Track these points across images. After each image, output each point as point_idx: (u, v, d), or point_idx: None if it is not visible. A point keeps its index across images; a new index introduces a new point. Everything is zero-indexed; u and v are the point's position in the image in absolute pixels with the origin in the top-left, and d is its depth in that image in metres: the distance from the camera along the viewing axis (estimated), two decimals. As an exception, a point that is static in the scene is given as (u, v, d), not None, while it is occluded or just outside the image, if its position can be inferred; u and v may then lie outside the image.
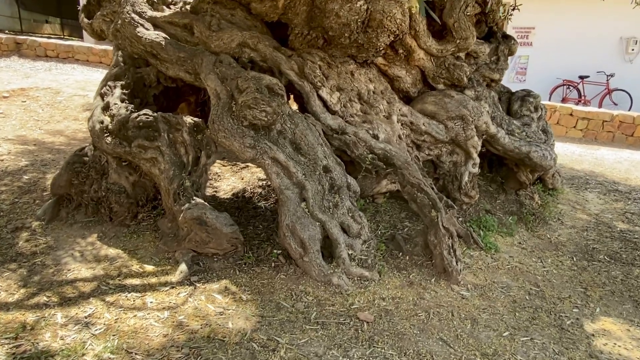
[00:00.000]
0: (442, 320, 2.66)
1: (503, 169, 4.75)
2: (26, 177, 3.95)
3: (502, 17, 4.56)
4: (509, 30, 12.83)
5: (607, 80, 11.46)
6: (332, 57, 3.60)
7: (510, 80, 13.14)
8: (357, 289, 2.84)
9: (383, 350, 2.30)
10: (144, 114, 3.08)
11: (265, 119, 3.00)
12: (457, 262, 3.12)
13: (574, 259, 3.73)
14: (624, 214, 4.84)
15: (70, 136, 5.57)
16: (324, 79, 3.53)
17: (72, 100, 6.87)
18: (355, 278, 2.90)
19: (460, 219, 4.09)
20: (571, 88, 12.01)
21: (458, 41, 3.74)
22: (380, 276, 3.01)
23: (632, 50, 11.48)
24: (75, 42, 9.58)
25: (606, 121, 8.72)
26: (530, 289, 3.19)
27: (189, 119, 3.16)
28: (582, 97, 11.80)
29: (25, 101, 6.54)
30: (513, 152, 4.17)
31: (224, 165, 4.62)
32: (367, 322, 2.52)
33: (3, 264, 2.74)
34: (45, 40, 9.94)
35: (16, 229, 3.12)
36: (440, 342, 2.44)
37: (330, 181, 3.11)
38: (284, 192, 2.98)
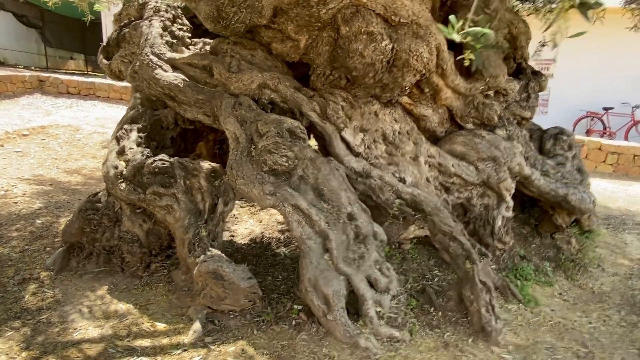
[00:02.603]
0: (483, 391, 2.37)
1: (536, 210, 4.48)
2: (39, 222, 3.82)
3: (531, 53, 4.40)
4: (530, 62, 12.73)
5: (633, 111, 11.18)
6: (355, 97, 3.44)
7: (531, 113, 12.89)
8: (386, 351, 2.57)
9: None
10: (160, 160, 2.94)
11: (287, 164, 2.83)
12: (496, 321, 2.84)
13: (622, 313, 3.40)
14: (668, 259, 4.49)
15: (87, 175, 5.48)
16: (347, 119, 3.36)
17: (91, 137, 6.85)
18: (385, 339, 2.64)
19: (494, 266, 3.81)
20: (595, 120, 11.73)
21: (487, 79, 3.56)
22: (411, 336, 2.74)
23: (657, 79, 11.23)
24: (96, 79, 9.72)
25: (637, 155, 8.37)
26: (578, 350, 2.88)
27: (206, 164, 3.00)
28: (607, 129, 11.50)
29: (44, 139, 6.54)
30: (549, 195, 3.91)
31: (241, 207, 4.44)
32: (400, 395, 2.25)
33: (7, 321, 2.56)
34: (67, 77, 10.10)
35: (23, 280, 2.96)
36: (485, 421, 2.15)
37: (355, 230, 2.89)
38: (306, 242, 2.77)
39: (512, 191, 3.79)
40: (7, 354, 2.30)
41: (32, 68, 14.52)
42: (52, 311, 2.68)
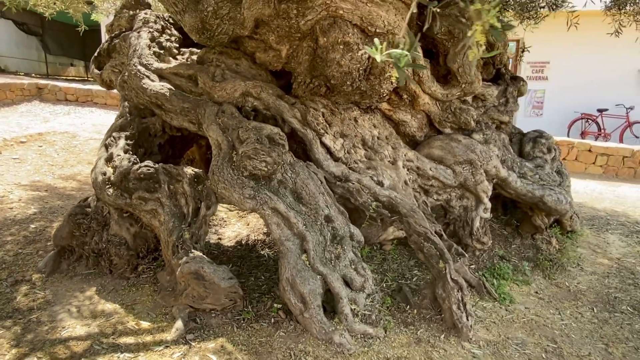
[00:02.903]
0: (450, 383, 2.49)
1: (518, 212, 4.61)
2: (33, 226, 3.96)
3: (518, 58, 4.52)
4: (524, 65, 12.86)
5: (627, 113, 11.31)
6: (335, 104, 3.58)
7: (527, 115, 13.07)
8: (360, 347, 2.70)
9: (384, 421, 2.14)
10: (145, 166, 3.08)
11: (266, 169, 2.96)
12: (467, 318, 2.96)
13: (595, 310, 3.52)
14: (648, 258, 4.60)
15: (82, 181, 5.63)
16: (327, 125, 3.50)
17: (87, 144, 7.00)
18: (359, 335, 2.77)
19: (473, 266, 3.94)
20: (590, 122, 11.86)
21: (463, 85, 3.69)
22: (385, 332, 2.87)
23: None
24: (94, 86, 9.87)
25: (627, 157, 8.49)
26: (547, 345, 3.00)
27: (189, 170, 3.14)
28: (602, 131, 11.62)
29: (41, 146, 6.69)
30: (526, 196, 4.04)
31: (230, 210, 4.57)
32: (369, 387, 2.37)
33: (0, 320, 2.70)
34: (65, 84, 10.27)
35: (16, 282, 3.09)
36: (448, 411, 2.27)
37: (332, 231, 3.02)
38: (285, 243, 2.90)
39: (490, 193, 3.92)
40: (-3, 351, 2.43)
41: (33, 75, 14.72)
42: (42, 311, 2.81)
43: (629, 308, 3.57)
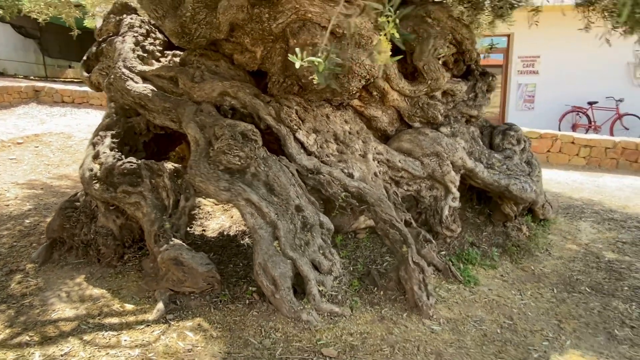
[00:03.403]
0: (406, 355, 2.73)
1: (492, 201, 4.83)
2: (27, 221, 4.21)
3: (484, 56, 4.74)
4: (514, 59, 13.06)
5: (617, 105, 11.50)
6: (308, 101, 3.81)
7: (518, 108, 13.29)
8: (326, 324, 2.94)
9: (340, 386, 2.38)
10: (128, 162, 3.32)
11: (239, 163, 3.20)
12: (428, 297, 3.19)
13: (555, 291, 3.75)
14: (615, 243, 4.81)
15: (76, 179, 5.87)
16: (300, 122, 3.73)
17: (82, 144, 7.24)
18: (326, 314, 3.00)
19: (444, 252, 4.17)
20: (580, 114, 12.05)
21: (429, 82, 3.92)
22: (352, 311, 3.11)
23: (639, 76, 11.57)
24: (90, 88, 10.10)
25: (609, 148, 8.70)
26: (504, 322, 3.23)
27: (169, 165, 3.38)
28: (592, 123, 11.82)
29: (38, 146, 6.94)
30: (493, 185, 4.27)
31: (215, 204, 4.81)
32: (330, 358, 2.61)
33: (-5, 305, 2.94)
34: (62, 87, 10.51)
35: (10, 272, 3.34)
36: (399, 377, 2.51)
37: (302, 220, 3.26)
38: (258, 231, 3.14)
39: (457, 183, 4.14)
40: (-7, 331, 2.68)
41: (31, 77, 14.97)
42: (34, 296, 3.06)
43: (587, 288, 3.80)
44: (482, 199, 4.97)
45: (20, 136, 7.21)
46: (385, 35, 1.59)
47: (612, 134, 11.36)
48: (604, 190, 7.19)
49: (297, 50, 1.69)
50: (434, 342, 2.90)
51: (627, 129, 11.46)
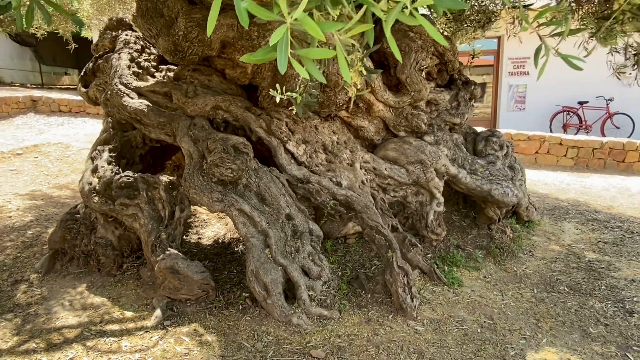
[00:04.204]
0: (390, 354, 2.90)
1: (477, 205, 5.02)
2: (30, 232, 4.37)
3: (468, 65, 4.93)
4: (505, 61, 13.28)
5: (607, 104, 11.71)
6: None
7: (509, 110, 13.51)
8: (316, 327, 3.11)
9: (327, 384, 2.56)
10: (125, 176, 3.49)
11: (231, 175, 3.37)
12: (412, 299, 3.37)
13: (535, 291, 3.93)
14: (596, 244, 5.00)
15: (75, 189, 6.03)
16: (290, 133, 3.91)
17: (80, 154, 7.41)
18: (315, 317, 3.18)
19: (430, 255, 4.35)
20: (571, 114, 12.26)
21: (412, 93, 4.10)
22: (340, 314, 3.28)
23: (630, 74, 11.77)
24: (87, 103, 10.27)
25: (596, 149, 8.90)
26: (484, 322, 3.41)
27: (165, 178, 3.56)
28: (583, 122, 12.02)
29: (37, 157, 7.10)
30: (475, 190, 4.45)
31: (211, 212, 4.98)
32: (318, 359, 2.78)
33: (1, 314, 3.11)
34: (59, 96, 10.67)
35: (16, 282, 3.51)
36: (383, 375, 2.69)
37: (292, 228, 3.43)
38: (250, 239, 3.32)
39: (441, 189, 4.33)
40: (1, 339, 2.84)
41: (28, 85, 15.12)
42: (39, 305, 3.22)
43: (566, 288, 3.98)
44: (468, 203, 5.16)
45: (19, 147, 7.36)
46: (354, 71, 1.77)
47: (603, 134, 11.57)
48: (590, 191, 7.38)
49: (277, 86, 1.87)
50: (417, 341, 3.08)
51: (618, 127, 11.68)
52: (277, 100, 1.85)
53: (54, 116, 10.00)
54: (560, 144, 9.10)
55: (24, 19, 1.91)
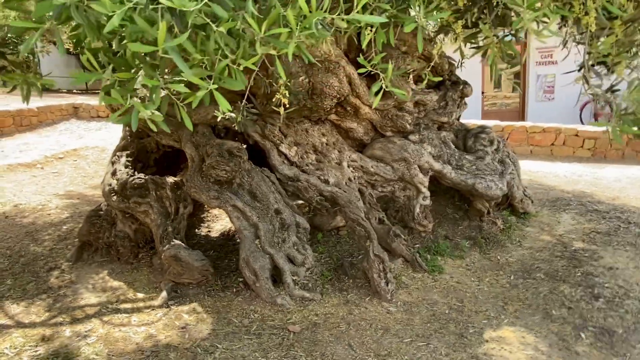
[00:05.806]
0: (358, 330, 3.31)
1: (469, 198, 5.31)
2: (65, 227, 5.05)
3: (456, 66, 5.21)
4: (532, 51, 13.18)
5: None
6: (290, 118, 4.43)
7: (538, 100, 13.43)
8: (297, 307, 3.56)
9: (296, 353, 3.00)
10: (138, 178, 4.06)
11: (226, 175, 3.86)
12: (387, 284, 3.76)
13: (511, 278, 4.19)
14: (589, 234, 5.14)
15: (107, 189, 6.74)
16: (283, 137, 4.36)
17: (114, 156, 8.16)
18: (298, 299, 3.63)
19: (418, 245, 4.70)
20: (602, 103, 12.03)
21: (395, 97, 4.45)
22: (322, 297, 3.71)
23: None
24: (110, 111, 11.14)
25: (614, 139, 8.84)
26: (454, 304, 3.74)
27: (171, 179, 4.09)
28: (615, 111, 11.78)
29: (76, 160, 7.89)
30: (461, 185, 4.76)
31: (210, 208, 5.51)
32: (293, 332, 3.23)
33: (38, 295, 3.74)
34: (97, 103, 11.56)
35: (50, 269, 4.15)
36: (347, 347, 3.10)
37: (280, 221, 3.89)
38: (242, 231, 3.80)
39: (426, 184, 4.66)
40: (36, 314, 3.46)
41: (74, 91, 16.28)
42: (67, 288, 3.84)
43: (542, 275, 4.23)
44: (462, 197, 5.45)
45: (61, 151, 8.19)
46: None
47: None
48: (601, 182, 7.42)
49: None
50: (387, 320, 3.47)
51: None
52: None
53: (93, 121, 10.90)
54: (577, 135, 9.10)
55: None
